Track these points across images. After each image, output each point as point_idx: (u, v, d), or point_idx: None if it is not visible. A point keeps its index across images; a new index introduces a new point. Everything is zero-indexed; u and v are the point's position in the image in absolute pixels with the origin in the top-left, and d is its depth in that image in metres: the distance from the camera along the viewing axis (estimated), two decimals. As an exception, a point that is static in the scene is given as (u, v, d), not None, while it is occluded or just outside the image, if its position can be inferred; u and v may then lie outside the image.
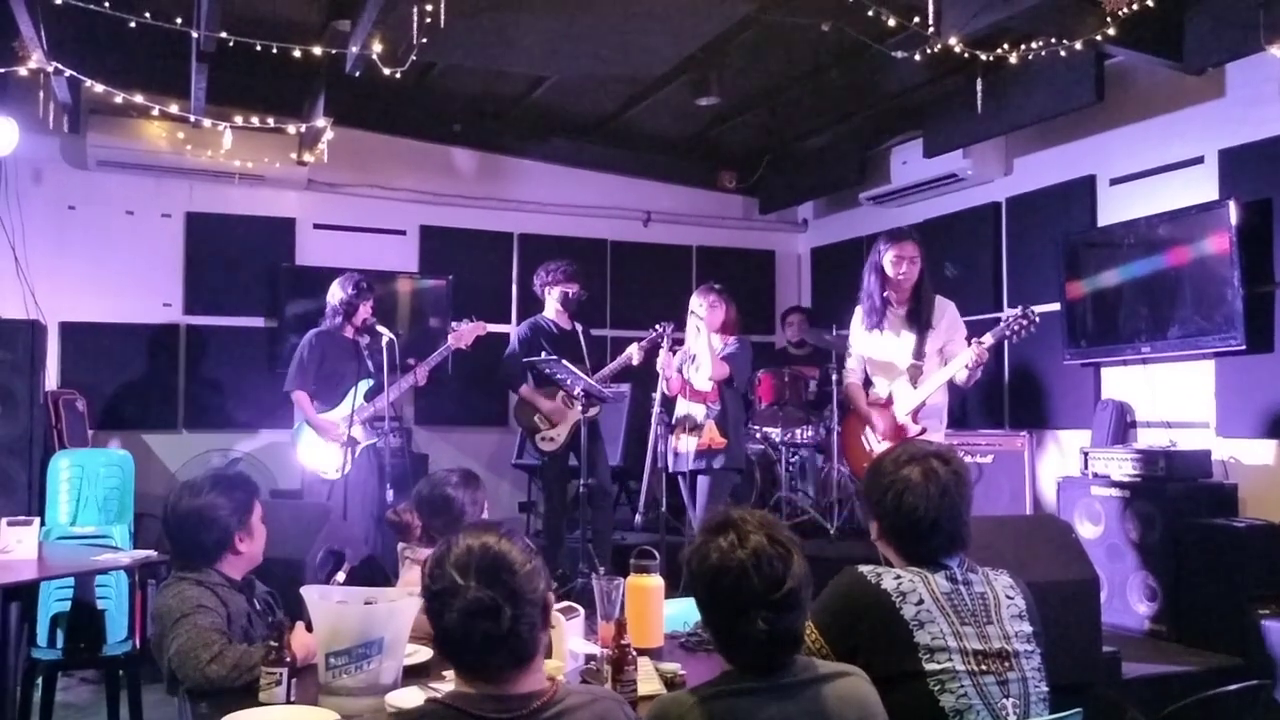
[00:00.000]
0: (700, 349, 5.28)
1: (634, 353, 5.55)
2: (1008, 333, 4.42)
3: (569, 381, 5.38)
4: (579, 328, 5.86)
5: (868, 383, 4.83)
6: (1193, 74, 5.14)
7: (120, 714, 4.05)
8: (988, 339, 4.40)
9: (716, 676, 1.86)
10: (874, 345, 4.70)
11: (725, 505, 1.96)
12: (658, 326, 5.36)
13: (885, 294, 4.61)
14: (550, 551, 5.41)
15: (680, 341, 5.46)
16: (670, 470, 5.30)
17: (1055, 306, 5.81)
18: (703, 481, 5.25)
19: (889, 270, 4.55)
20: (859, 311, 4.77)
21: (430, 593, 1.69)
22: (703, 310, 5.30)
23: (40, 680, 4.01)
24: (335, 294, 5.45)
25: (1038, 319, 4.41)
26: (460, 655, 1.68)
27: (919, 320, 4.57)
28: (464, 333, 5.58)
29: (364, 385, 5.36)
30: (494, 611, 1.63)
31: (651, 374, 5.41)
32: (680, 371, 5.32)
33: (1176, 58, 5.03)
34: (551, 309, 5.85)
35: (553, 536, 5.67)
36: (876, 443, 4.67)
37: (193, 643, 2.32)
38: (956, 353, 4.53)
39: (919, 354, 4.55)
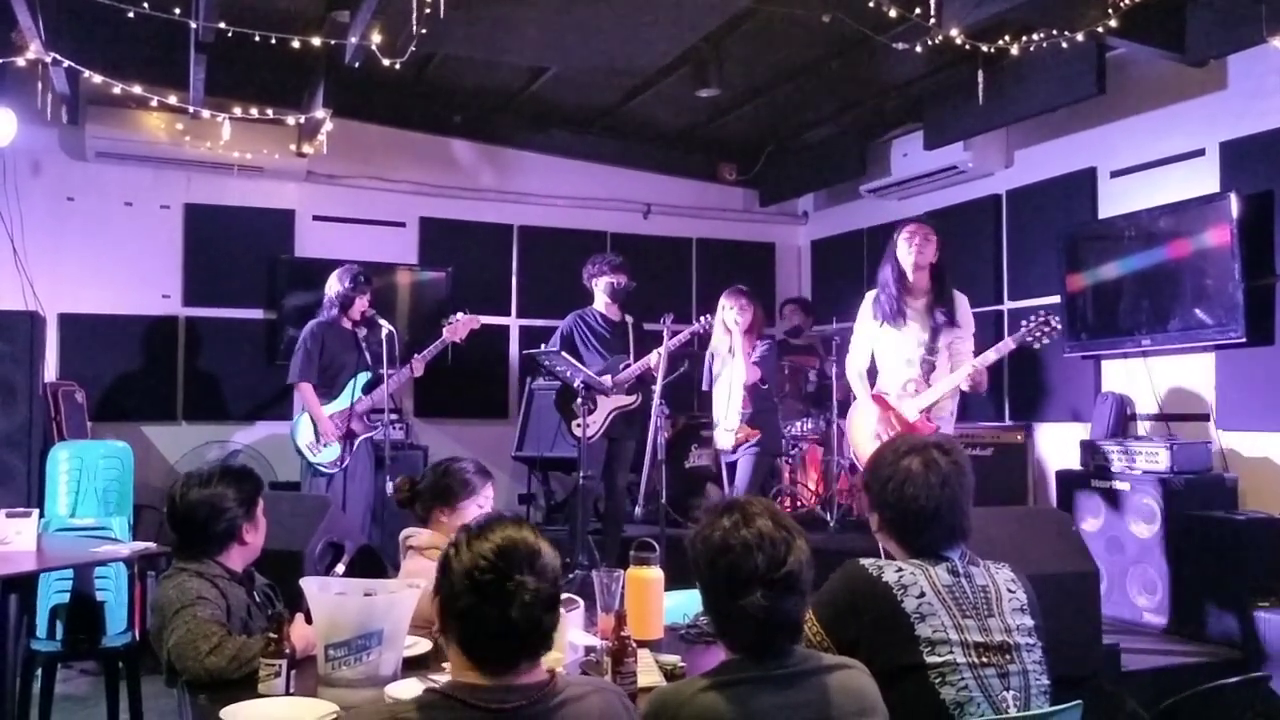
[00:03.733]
0: (736, 354, 5.43)
1: (652, 361, 5.51)
2: (1029, 339, 4.40)
3: (568, 374, 5.38)
4: (629, 319, 5.85)
5: (873, 372, 4.77)
6: (1194, 66, 5.12)
7: (119, 705, 4.05)
8: (1003, 346, 4.38)
9: (716, 666, 1.86)
10: (885, 338, 4.60)
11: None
12: (700, 319, 5.51)
13: (903, 284, 4.53)
14: (569, 543, 5.45)
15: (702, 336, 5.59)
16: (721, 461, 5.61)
17: (1055, 299, 5.80)
18: (744, 464, 5.46)
19: (903, 251, 4.48)
20: (868, 300, 4.67)
21: (477, 584, 1.64)
22: (735, 313, 5.45)
23: (40, 671, 4.01)
24: (332, 286, 5.45)
25: (1058, 325, 4.39)
26: (489, 647, 1.66)
27: (938, 309, 4.50)
28: (458, 326, 5.59)
29: (363, 378, 5.37)
30: (553, 600, 1.68)
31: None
32: (710, 370, 5.55)
33: (1178, 49, 5.01)
34: (600, 301, 5.86)
35: (575, 527, 5.65)
36: (884, 434, 4.61)
37: (192, 634, 2.32)
38: (961, 350, 4.50)
39: (931, 349, 4.50)
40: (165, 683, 2.45)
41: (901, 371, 4.57)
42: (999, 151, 6.46)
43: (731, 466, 5.54)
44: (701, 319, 5.51)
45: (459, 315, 5.65)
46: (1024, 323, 4.47)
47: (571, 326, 5.82)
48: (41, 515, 4.11)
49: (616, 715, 1.74)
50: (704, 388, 5.64)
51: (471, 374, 6.87)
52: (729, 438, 5.44)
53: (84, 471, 5.04)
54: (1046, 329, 4.37)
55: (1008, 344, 4.42)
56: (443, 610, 1.69)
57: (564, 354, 5.34)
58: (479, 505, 2.98)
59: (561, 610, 2.44)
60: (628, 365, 5.55)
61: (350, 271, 5.48)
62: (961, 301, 4.60)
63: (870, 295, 4.69)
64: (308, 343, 5.38)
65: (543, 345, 5.79)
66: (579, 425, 5.54)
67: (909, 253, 4.49)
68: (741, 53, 5.94)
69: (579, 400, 5.33)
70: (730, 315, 5.46)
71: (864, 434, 4.72)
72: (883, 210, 7.32)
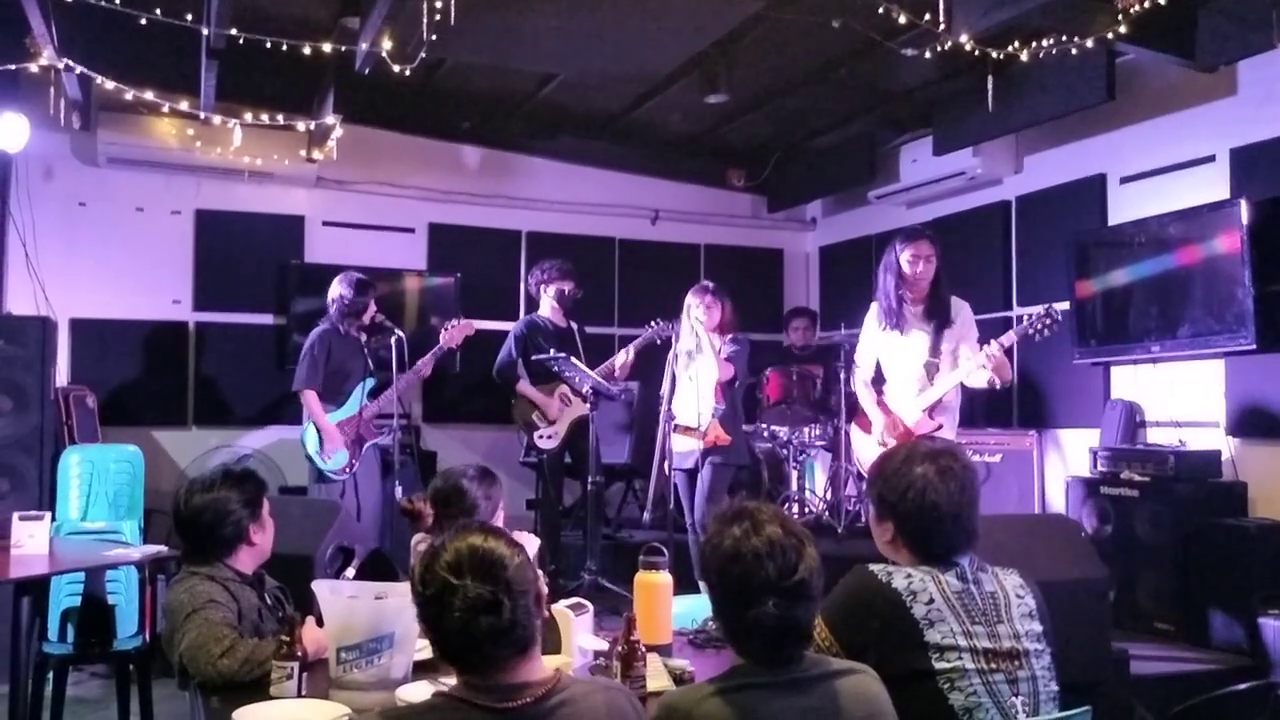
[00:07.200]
0: (704, 350, 5.27)
1: (620, 359, 5.57)
2: (1030, 330, 4.41)
3: (577, 379, 5.40)
4: (574, 326, 5.89)
5: (880, 381, 4.80)
6: (1204, 72, 5.11)
7: (131, 708, 4.06)
8: (1006, 338, 4.38)
9: (726, 671, 1.86)
10: (889, 345, 4.67)
11: (735, 497, 1.98)
12: (651, 324, 5.44)
13: (900, 293, 4.58)
14: (548, 548, 5.43)
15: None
16: (672, 467, 5.30)
17: (1065, 305, 5.78)
18: (705, 475, 5.22)
19: (905, 270, 4.53)
20: (874, 310, 4.73)
21: (424, 598, 1.68)
22: (700, 312, 5.29)
23: (51, 674, 4.02)
24: (337, 292, 5.44)
25: (1060, 318, 4.39)
26: (463, 653, 1.68)
27: (936, 317, 4.55)
28: (454, 332, 5.62)
29: (369, 384, 5.39)
30: (495, 605, 1.64)
31: (661, 371, 5.42)
32: (673, 371, 5.31)
33: (1188, 55, 5.01)
34: (547, 307, 5.90)
35: (550, 533, 5.69)
36: (889, 440, 4.63)
37: (204, 637, 2.33)
38: (968, 355, 4.51)
39: (935, 351, 4.54)
40: (178, 685, 2.48)
41: (907, 375, 4.62)
42: (1008, 158, 6.45)
43: (690, 476, 5.28)
44: (654, 323, 5.46)
45: (455, 321, 5.68)
46: (1026, 317, 4.48)
47: (525, 331, 5.85)
48: (53, 519, 4.13)
49: (624, 713, 1.75)
50: (662, 403, 5.26)
51: (479, 379, 6.88)
52: (691, 440, 5.18)
53: (95, 475, 5.05)
54: (1048, 321, 4.36)
55: (1010, 336, 4.42)
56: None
57: (573, 359, 5.35)
58: (483, 510, 3.01)
59: (565, 613, 2.46)
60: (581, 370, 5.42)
61: (352, 278, 5.47)
62: (962, 307, 4.62)
63: (875, 305, 4.72)
64: (314, 350, 5.39)
65: (509, 351, 5.85)
66: (541, 437, 5.69)
67: (912, 273, 4.53)
68: (750, 58, 5.94)
69: (583, 404, 5.39)
70: (696, 313, 5.29)
71: (868, 441, 4.76)
72: (891, 217, 7.32)
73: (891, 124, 6.99)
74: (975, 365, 4.39)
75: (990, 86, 5.52)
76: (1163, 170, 5.54)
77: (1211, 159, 5.28)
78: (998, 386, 4.47)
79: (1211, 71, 5.11)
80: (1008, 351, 4.40)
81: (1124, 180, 5.77)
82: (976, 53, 4.74)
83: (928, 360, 4.54)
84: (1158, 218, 5.39)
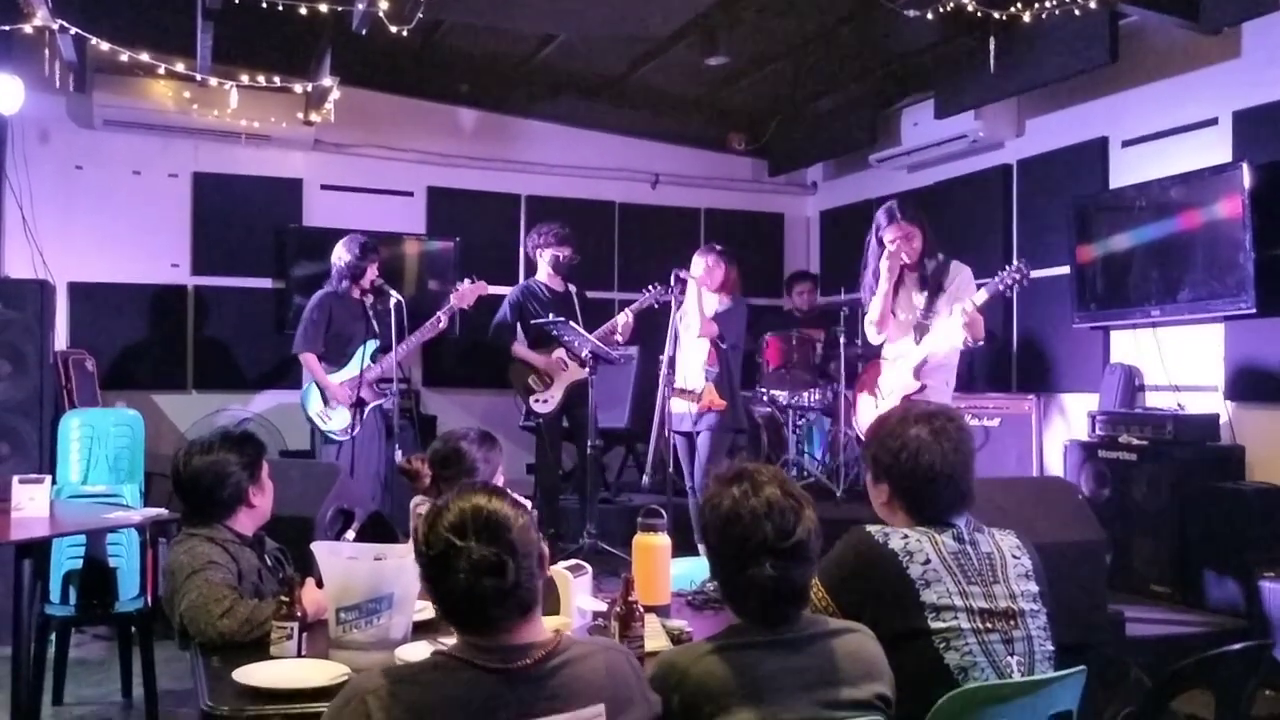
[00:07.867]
0: (690, 307, 5.30)
1: (619, 322, 5.56)
2: (1001, 286, 4.40)
3: (576, 344, 5.39)
4: (572, 290, 5.87)
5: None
6: (1208, 34, 5.06)
7: (132, 669, 4.10)
8: (978, 296, 4.38)
9: (723, 630, 1.88)
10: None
11: (729, 462, 2.00)
12: (650, 288, 5.42)
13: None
14: (546, 512, 5.45)
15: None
16: (670, 430, 5.31)
17: (1065, 269, 5.79)
18: (703, 440, 5.27)
19: (890, 250, 4.53)
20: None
21: (428, 558, 1.69)
22: (699, 269, 5.33)
23: (54, 636, 4.06)
24: (340, 256, 5.45)
25: (1029, 273, 4.37)
26: (466, 614, 1.68)
27: (930, 282, 4.54)
28: (465, 292, 5.61)
29: (371, 346, 5.39)
30: (500, 567, 1.64)
31: (660, 335, 5.41)
32: (675, 334, 5.31)
33: (1192, 17, 4.96)
34: (543, 272, 5.88)
35: (549, 497, 5.71)
36: (883, 401, 4.66)
37: (204, 598, 2.35)
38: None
39: (927, 314, 4.54)
40: (178, 646, 2.48)
41: (900, 338, 4.64)
42: (1010, 121, 6.41)
43: (689, 440, 5.35)
44: (652, 286, 5.49)
45: (465, 282, 5.67)
46: (999, 272, 4.45)
47: (520, 296, 5.84)
48: (53, 482, 4.14)
49: (623, 674, 1.76)
50: (663, 366, 5.24)
51: (479, 343, 6.88)
52: (687, 403, 5.25)
53: (95, 439, 5.07)
54: (1018, 277, 4.34)
55: (982, 294, 4.40)
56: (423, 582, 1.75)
57: (571, 323, 5.35)
58: (481, 473, 3.02)
59: (564, 574, 2.47)
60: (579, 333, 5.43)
61: (357, 240, 5.49)
62: (961, 270, 4.59)
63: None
64: (314, 313, 5.40)
65: (503, 315, 5.83)
66: (537, 401, 5.67)
67: (897, 252, 4.51)
68: (751, 20, 5.88)
69: (580, 369, 5.39)
70: (696, 269, 5.34)
71: (867, 404, 4.80)
72: (892, 181, 7.28)
73: (893, 87, 6.94)
74: (953, 324, 4.39)
75: (992, 48, 5.47)
76: (1165, 133, 5.50)
77: (1214, 122, 5.24)
78: (970, 344, 4.47)
79: (1215, 33, 5.06)
80: (983, 309, 4.38)
81: (1126, 143, 5.73)
82: (979, 14, 4.69)
83: (919, 322, 4.55)
84: (1159, 181, 5.37)
